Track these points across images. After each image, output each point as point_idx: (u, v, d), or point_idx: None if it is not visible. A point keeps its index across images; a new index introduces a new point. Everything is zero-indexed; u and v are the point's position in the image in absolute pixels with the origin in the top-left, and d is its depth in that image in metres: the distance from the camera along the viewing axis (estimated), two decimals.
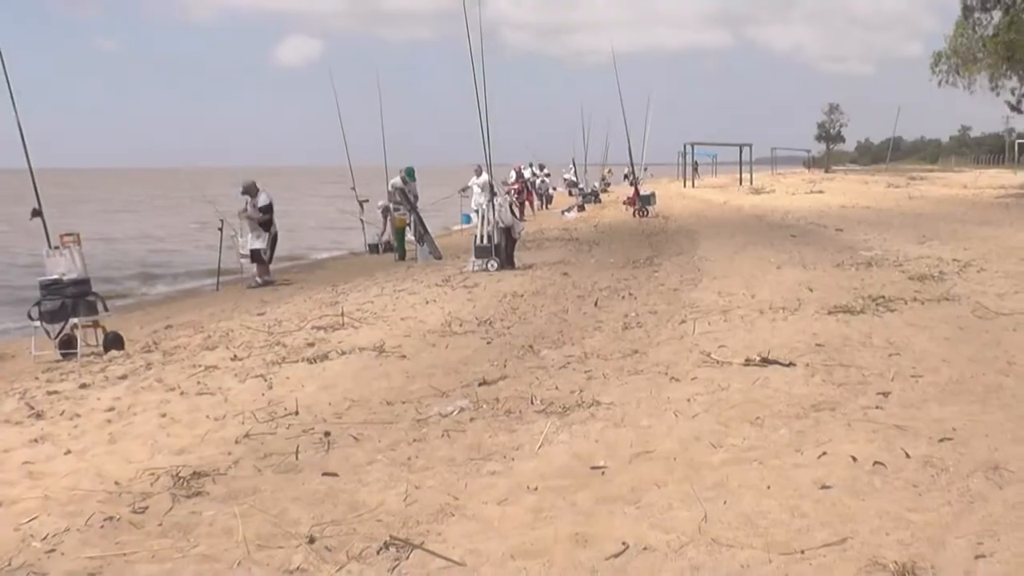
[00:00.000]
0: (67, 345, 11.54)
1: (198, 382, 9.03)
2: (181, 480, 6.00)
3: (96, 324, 11.88)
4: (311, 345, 10.69)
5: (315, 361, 9.72)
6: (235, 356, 10.26)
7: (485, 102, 18.01)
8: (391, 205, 23.89)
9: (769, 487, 5.31)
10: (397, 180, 23.51)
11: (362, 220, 26.37)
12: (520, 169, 42.66)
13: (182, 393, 8.61)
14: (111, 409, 8.14)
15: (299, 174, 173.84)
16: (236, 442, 6.84)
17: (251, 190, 19.78)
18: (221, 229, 20.02)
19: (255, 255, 19.68)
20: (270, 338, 11.37)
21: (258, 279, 19.61)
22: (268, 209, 19.67)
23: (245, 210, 19.72)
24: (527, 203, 39.80)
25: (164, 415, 7.79)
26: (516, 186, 37.38)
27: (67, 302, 11.60)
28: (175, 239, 36.79)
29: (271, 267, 20.31)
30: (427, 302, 13.76)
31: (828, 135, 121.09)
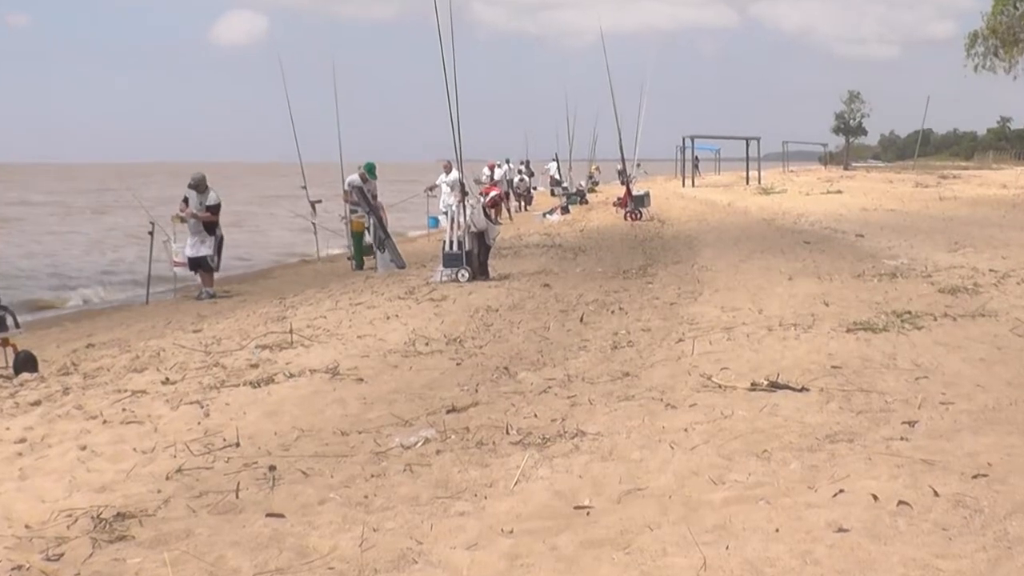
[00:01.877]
0: None
1: (124, 409, 8.98)
2: (103, 522, 5.97)
3: (5, 343, 11.80)
4: (254, 366, 10.65)
5: (259, 385, 9.68)
6: (167, 379, 10.21)
7: (455, 89, 18.02)
8: (348, 206, 23.85)
9: (778, 530, 5.32)
10: (355, 178, 23.48)
11: (314, 224, 26.33)
12: (493, 167, 42.73)
13: (105, 422, 8.55)
14: (22, 441, 8.09)
15: (239, 170, 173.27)
16: (167, 478, 6.81)
17: (201, 185, 19.71)
18: (151, 233, 19.95)
19: (199, 263, 19.59)
20: (207, 358, 11.33)
21: (206, 290, 19.55)
22: (217, 209, 19.61)
23: (183, 209, 19.63)
24: (503, 204, 39.86)
25: (84, 447, 7.74)
26: (492, 191, 37.44)
27: None
28: (99, 244, 36.64)
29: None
30: (388, 317, 13.75)
31: (847, 127, 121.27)
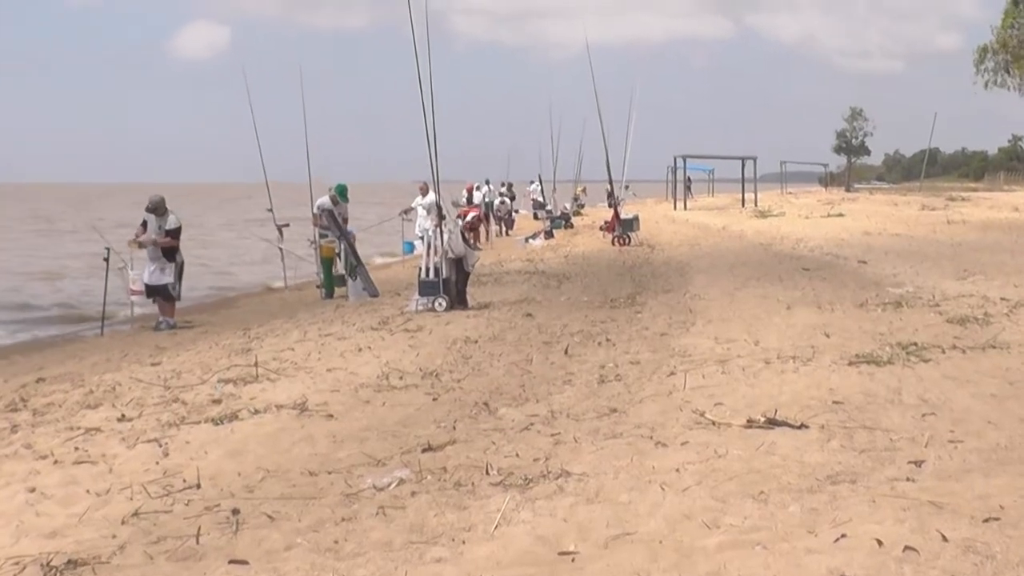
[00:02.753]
0: None
1: (76, 448, 8.95)
2: (53, 570, 5.94)
3: None
4: (217, 402, 10.63)
5: (222, 422, 9.67)
6: (123, 416, 10.18)
7: (432, 105, 18.01)
8: (317, 230, 23.82)
9: None
10: (326, 200, 23.47)
11: (281, 249, 26.30)
12: (472, 189, 42.83)
13: (56, 462, 8.52)
14: None
15: (202, 191, 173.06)
16: (122, 522, 6.78)
17: (160, 208, 19.69)
18: (107, 259, 19.90)
19: (158, 291, 19.53)
20: (166, 394, 11.30)
21: (165, 320, 19.49)
22: (177, 233, 19.57)
23: (140, 234, 19.60)
24: (484, 228, 39.87)
25: (33, 489, 7.71)
26: (471, 212, 37.43)
27: None
28: (50, 272, 36.49)
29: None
30: (360, 349, 13.74)
31: (849, 146, 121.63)
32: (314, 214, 23.80)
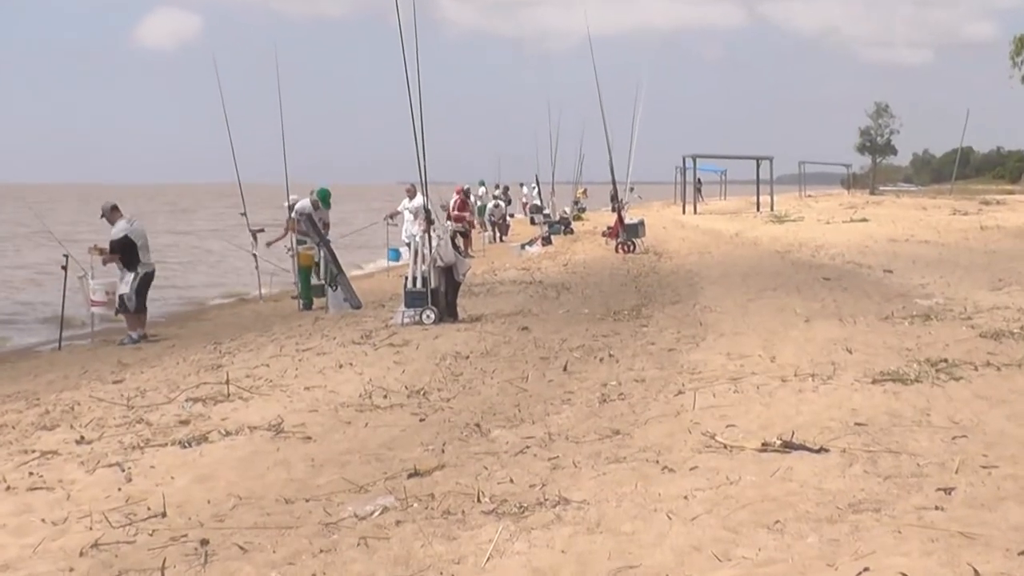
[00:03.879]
0: None
1: (31, 473, 8.95)
2: None
3: None
4: (185, 423, 10.63)
5: (190, 444, 9.67)
6: (82, 438, 10.18)
7: (419, 99, 17.98)
8: (295, 237, 23.80)
9: None
10: (305, 203, 23.49)
11: (255, 256, 26.31)
12: (463, 192, 42.82)
13: (8, 488, 8.52)
14: None
15: (169, 192, 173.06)
16: (81, 554, 6.78)
17: (110, 215, 19.73)
18: (65, 268, 19.91)
19: (119, 302, 19.60)
20: (130, 414, 11.30)
21: (129, 334, 19.50)
22: (118, 245, 19.53)
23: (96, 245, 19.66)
24: (475, 234, 39.88)
25: None
26: (458, 203, 37.37)
27: None
28: (2, 281, 36.49)
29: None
30: (341, 366, 13.74)
31: (874, 145, 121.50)
32: (292, 219, 23.82)
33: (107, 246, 19.60)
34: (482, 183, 51.97)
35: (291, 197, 24.88)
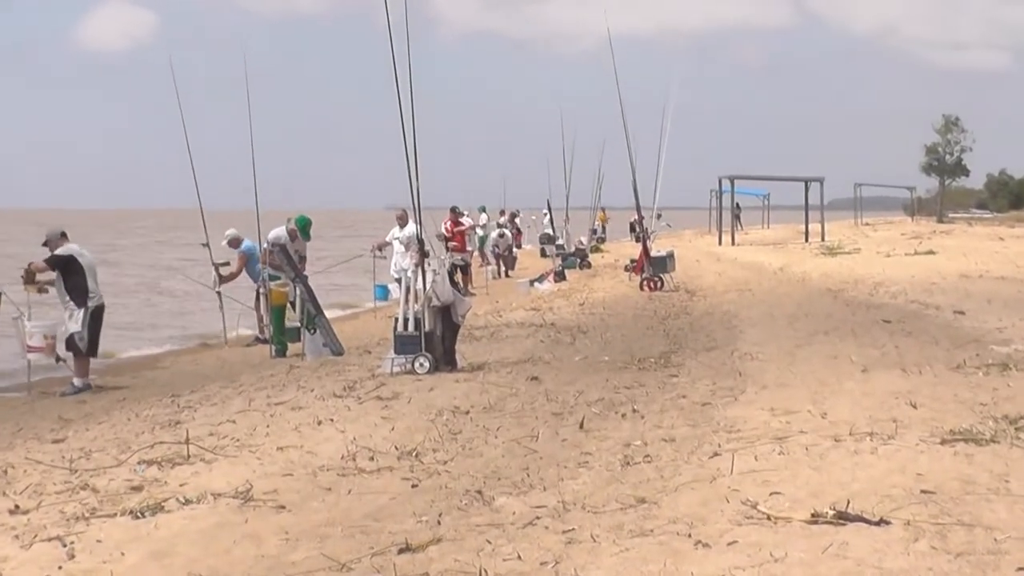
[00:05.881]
0: None
1: None
2: None
3: None
4: (137, 489, 10.63)
5: (143, 514, 9.66)
6: (16, 507, 10.17)
7: (412, 113, 17.98)
8: (268, 272, 23.79)
9: None
10: (281, 233, 23.56)
11: (219, 294, 26.37)
12: (453, 221, 42.79)
13: None
14: None
15: (116, 218, 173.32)
16: None
17: (55, 243, 19.78)
18: None
19: (69, 344, 19.60)
20: (72, 479, 11.30)
21: (73, 383, 19.50)
22: (60, 263, 19.55)
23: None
24: (476, 268, 39.91)
25: None
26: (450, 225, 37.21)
27: None
28: None
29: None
30: (320, 422, 13.74)
31: (942, 165, 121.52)
32: (264, 249, 23.83)
33: (41, 275, 19.64)
34: (483, 209, 51.87)
35: (232, 232, 24.84)
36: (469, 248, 40.85)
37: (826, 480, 9.60)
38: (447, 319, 18.32)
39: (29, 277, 19.84)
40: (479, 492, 10.01)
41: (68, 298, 19.55)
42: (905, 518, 8.30)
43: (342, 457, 11.71)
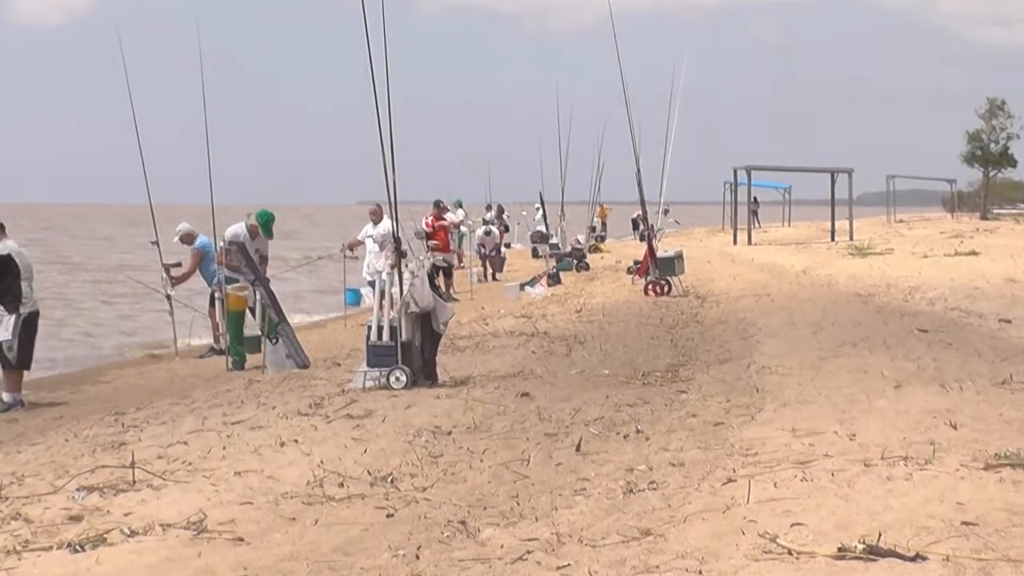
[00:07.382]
0: None
1: None
2: None
3: None
4: (76, 519, 10.62)
5: (83, 548, 9.66)
6: None
7: (388, 97, 18.01)
8: (224, 273, 23.76)
9: None
10: (240, 230, 23.56)
11: (169, 297, 26.38)
12: (439, 216, 42.85)
13: None
14: None
15: (53, 213, 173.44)
16: None
17: None
18: None
19: None
20: (2, 507, 11.29)
21: (2, 398, 19.48)
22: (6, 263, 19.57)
23: None
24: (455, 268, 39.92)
25: None
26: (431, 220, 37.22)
27: None
28: None
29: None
30: (282, 444, 13.74)
31: (986, 154, 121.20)
32: (221, 247, 23.81)
33: None
34: (459, 204, 51.61)
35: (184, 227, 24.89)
36: (452, 248, 40.85)
37: (854, 510, 9.60)
38: (427, 327, 18.30)
39: None
40: (463, 523, 10.01)
41: None
42: (944, 553, 8.30)
43: (308, 483, 11.71)
